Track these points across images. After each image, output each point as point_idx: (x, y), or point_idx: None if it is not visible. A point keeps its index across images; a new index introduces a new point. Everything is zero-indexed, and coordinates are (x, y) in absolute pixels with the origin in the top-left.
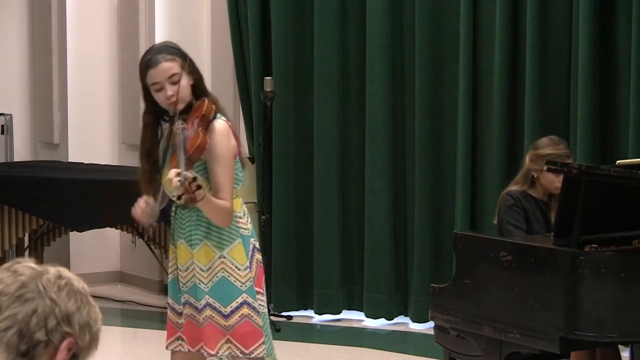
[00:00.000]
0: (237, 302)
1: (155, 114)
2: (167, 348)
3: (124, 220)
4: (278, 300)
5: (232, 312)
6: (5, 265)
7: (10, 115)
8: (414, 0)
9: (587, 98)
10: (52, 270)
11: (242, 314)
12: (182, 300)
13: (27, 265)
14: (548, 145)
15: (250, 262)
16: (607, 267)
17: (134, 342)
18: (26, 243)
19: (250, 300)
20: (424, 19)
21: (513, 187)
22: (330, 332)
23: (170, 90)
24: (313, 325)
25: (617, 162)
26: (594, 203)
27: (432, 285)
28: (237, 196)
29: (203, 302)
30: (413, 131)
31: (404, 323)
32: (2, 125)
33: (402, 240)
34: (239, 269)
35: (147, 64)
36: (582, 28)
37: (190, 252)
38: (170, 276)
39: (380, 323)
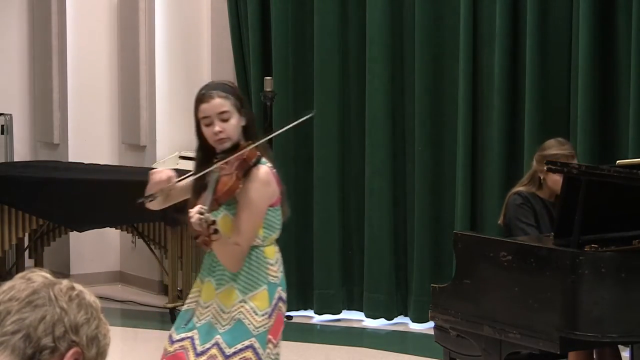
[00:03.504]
0: (243, 345)
1: (206, 150)
2: None
3: (124, 220)
4: None
5: (235, 353)
6: (21, 273)
7: (10, 115)
8: (414, 0)
9: (587, 98)
10: (65, 281)
11: (243, 357)
12: (188, 334)
13: (41, 274)
14: (553, 146)
15: (272, 310)
16: (607, 267)
17: (134, 342)
18: (26, 243)
19: (257, 346)
20: (424, 19)
21: (520, 188)
22: (330, 332)
23: (218, 126)
24: (313, 325)
25: (617, 162)
26: (594, 203)
27: (432, 285)
28: (272, 244)
29: (213, 341)
30: (413, 131)
31: (404, 323)
32: (2, 125)
33: (402, 240)
34: (256, 314)
35: (200, 97)
36: (582, 28)
37: (215, 291)
38: (185, 307)
39: (380, 323)
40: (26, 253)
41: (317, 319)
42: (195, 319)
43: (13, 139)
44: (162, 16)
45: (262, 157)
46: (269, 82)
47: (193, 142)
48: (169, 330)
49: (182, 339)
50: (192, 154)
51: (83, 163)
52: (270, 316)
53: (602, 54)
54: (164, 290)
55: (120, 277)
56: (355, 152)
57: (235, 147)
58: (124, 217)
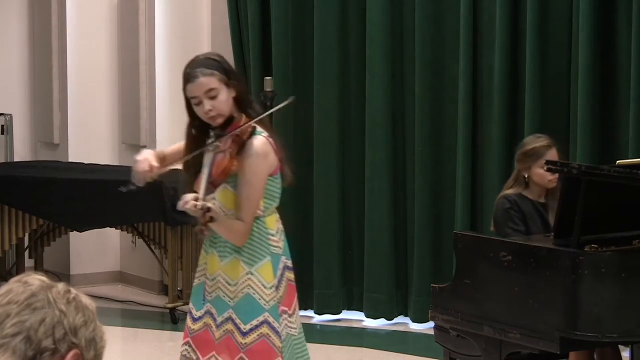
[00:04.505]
0: (257, 321)
1: (201, 126)
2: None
3: (124, 220)
4: None
5: (252, 330)
6: (16, 277)
7: (10, 115)
8: (414, 0)
9: (587, 98)
10: (61, 284)
11: (260, 333)
12: (205, 308)
13: (36, 277)
14: (530, 141)
15: (279, 282)
16: (607, 267)
17: (134, 342)
18: (26, 243)
19: (271, 319)
20: (424, 19)
21: (508, 191)
22: (330, 332)
23: (208, 105)
24: (313, 325)
25: (617, 162)
26: (594, 203)
27: (432, 285)
28: (273, 213)
29: (226, 315)
30: (413, 131)
31: (404, 323)
32: (2, 125)
33: (402, 240)
34: (265, 287)
35: (186, 77)
36: (582, 28)
37: (219, 263)
38: (196, 281)
39: (380, 323)
40: (26, 253)
41: (317, 319)
42: (206, 293)
43: (13, 139)
44: (162, 16)
45: (256, 128)
46: (269, 82)
47: None
48: (169, 330)
49: (203, 316)
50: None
51: (83, 163)
52: (277, 288)
53: (602, 54)
54: (164, 290)
55: (120, 277)
56: (355, 152)
57: (230, 120)
58: (124, 217)
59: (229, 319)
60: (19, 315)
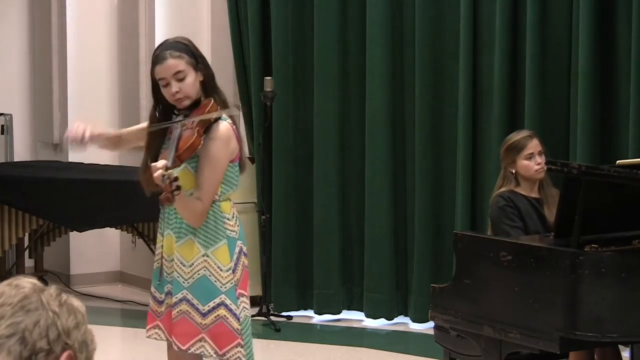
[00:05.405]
0: (214, 303)
1: (165, 109)
2: (146, 335)
3: (124, 220)
4: (278, 300)
5: (210, 311)
6: (6, 281)
7: (10, 115)
8: (414, 0)
9: (587, 98)
10: (53, 287)
11: (218, 315)
12: (165, 289)
13: (27, 280)
14: (511, 137)
15: (236, 265)
16: (607, 267)
17: (134, 342)
18: (26, 243)
19: (228, 302)
20: (424, 19)
21: (500, 190)
22: (330, 332)
23: (175, 87)
24: (313, 325)
25: (617, 162)
26: (594, 203)
27: (432, 285)
28: (228, 199)
29: (180, 296)
30: (413, 131)
31: (404, 323)
32: (2, 125)
33: (402, 240)
34: (221, 270)
35: (155, 59)
36: (582, 28)
37: (175, 243)
38: (155, 264)
39: (380, 323)
40: (26, 253)
41: (317, 319)
42: (165, 274)
43: (13, 139)
44: (162, 16)
45: (222, 114)
46: (269, 82)
47: None
48: None
49: (166, 297)
50: None
51: (83, 163)
52: (234, 271)
53: (602, 54)
54: None
55: (120, 277)
56: (355, 152)
57: (196, 104)
58: (124, 217)
59: (184, 299)
60: (13, 317)
